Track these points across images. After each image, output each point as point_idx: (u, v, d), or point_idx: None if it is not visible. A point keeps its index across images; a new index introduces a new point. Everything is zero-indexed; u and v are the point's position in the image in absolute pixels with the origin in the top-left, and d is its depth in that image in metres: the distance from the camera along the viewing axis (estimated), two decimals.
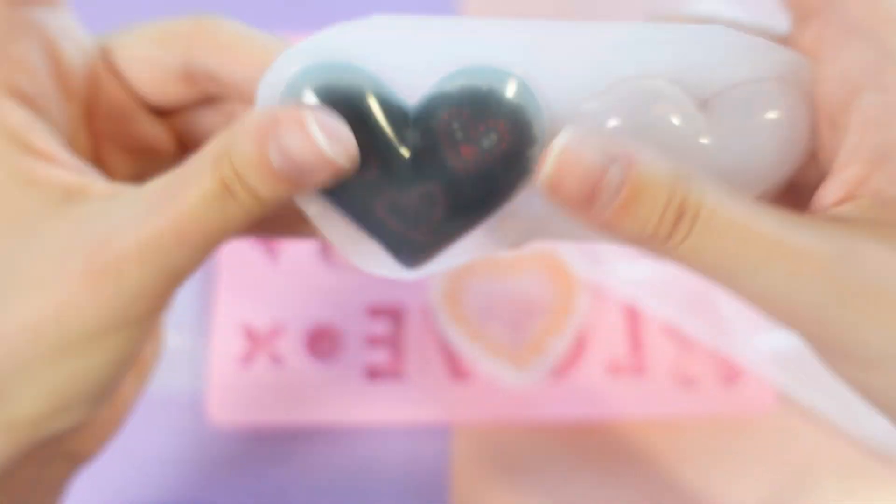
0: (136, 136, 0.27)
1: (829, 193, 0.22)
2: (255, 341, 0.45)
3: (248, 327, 0.44)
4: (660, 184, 0.19)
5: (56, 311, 0.20)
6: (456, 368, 0.44)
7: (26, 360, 0.21)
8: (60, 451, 0.26)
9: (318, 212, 0.23)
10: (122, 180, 0.23)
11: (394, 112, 0.22)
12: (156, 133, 0.27)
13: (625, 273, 0.43)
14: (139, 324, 0.22)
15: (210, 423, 0.43)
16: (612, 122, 0.22)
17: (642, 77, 0.22)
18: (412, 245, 0.24)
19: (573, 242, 0.42)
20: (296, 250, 0.45)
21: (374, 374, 0.44)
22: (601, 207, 0.19)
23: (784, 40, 0.24)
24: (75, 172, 0.22)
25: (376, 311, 0.45)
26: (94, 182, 0.22)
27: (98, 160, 0.26)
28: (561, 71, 0.22)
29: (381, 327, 0.44)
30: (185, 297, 0.43)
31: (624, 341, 0.44)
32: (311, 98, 0.22)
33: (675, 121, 0.22)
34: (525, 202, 0.23)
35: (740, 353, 0.42)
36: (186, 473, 0.39)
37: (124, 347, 0.22)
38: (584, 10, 0.54)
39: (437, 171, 0.22)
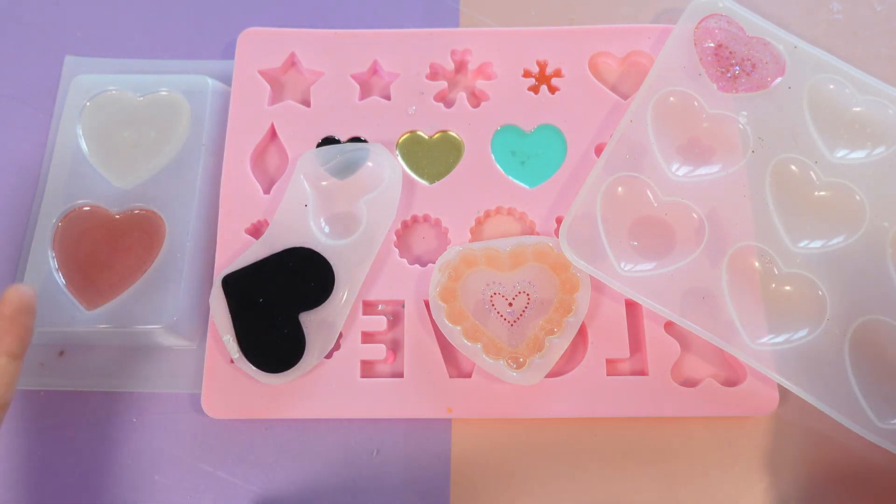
0: None
1: None
2: None
3: None
4: None
5: None
6: (455, 366, 0.44)
7: None
8: None
9: None
10: None
11: None
12: None
13: (628, 272, 0.43)
14: None
15: (208, 417, 0.43)
16: None
17: None
18: None
19: None
20: None
21: (371, 370, 0.44)
22: None
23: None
24: None
25: (374, 308, 0.45)
26: None
27: None
28: None
29: (378, 324, 0.44)
30: (187, 300, 0.43)
31: (624, 341, 0.44)
32: None
33: None
34: None
35: (743, 352, 0.41)
36: (190, 466, 0.39)
37: None
38: (582, 9, 0.54)
39: None
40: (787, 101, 0.47)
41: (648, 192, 0.45)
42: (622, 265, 0.43)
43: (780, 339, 0.42)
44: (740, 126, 0.46)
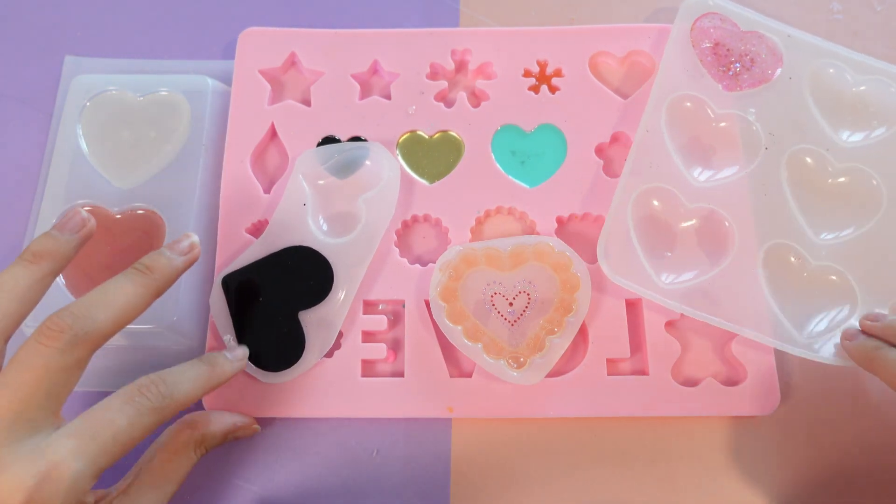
0: None
1: None
2: None
3: None
4: None
5: None
6: (455, 366, 0.44)
7: None
8: None
9: None
10: None
11: None
12: None
13: (669, 285, 0.43)
14: None
15: None
16: None
17: None
18: None
19: None
20: None
21: (371, 370, 0.44)
22: None
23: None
24: None
25: (374, 308, 0.45)
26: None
27: None
28: None
29: (379, 324, 0.44)
30: (187, 300, 0.43)
31: (625, 340, 0.44)
32: None
33: None
34: None
35: (798, 348, 0.41)
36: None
37: None
38: (582, 9, 0.54)
39: None
40: (790, 91, 0.47)
41: (675, 200, 0.45)
42: (662, 278, 0.43)
43: (823, 327, 0.42)
44: (751, 123, 0.46)
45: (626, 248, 0.43)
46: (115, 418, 0.32)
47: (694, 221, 0.45)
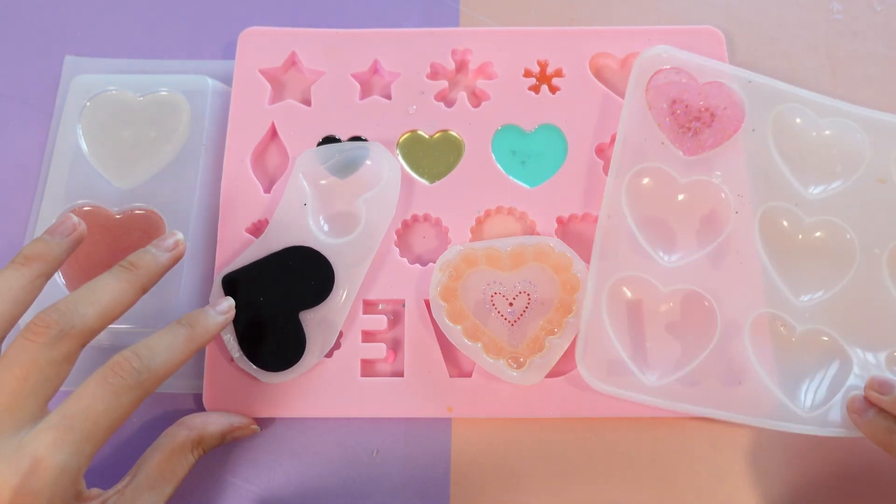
0: None
1: None
2: None
3: None
4: None
5: None
6: (455, 365, 0.44)
7: None
8: None
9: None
10: None
11: None
12: None
13: (657, 383, 0.41)
14: None
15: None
16: None
17: None
18: None
19: None
20: None
21: (371, 369, 0.44)
22: None
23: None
24: None
25: (374, 307, 0.45)
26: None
27: None
28: None
29: (379, 323, 0.44)
30: (187, 300, 0.43)
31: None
32: None
33: None
34: None
35: (802, 424, 0.40)
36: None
37: None
38: (582, 9, 0.54)
39: None
40: (754, 144, 0.46)
41: (649, 286, 0.43)
42: (648, 377, 0.41)
43: (823, 394, 0.41)
44: (719, 188, 0.45)
45: (606, 349, 0.42)
46: (91, 404, 0.32)
47: (671, 304, 0.44)
